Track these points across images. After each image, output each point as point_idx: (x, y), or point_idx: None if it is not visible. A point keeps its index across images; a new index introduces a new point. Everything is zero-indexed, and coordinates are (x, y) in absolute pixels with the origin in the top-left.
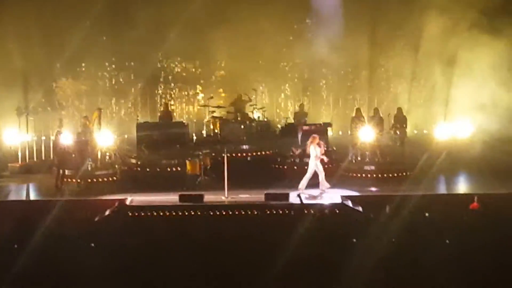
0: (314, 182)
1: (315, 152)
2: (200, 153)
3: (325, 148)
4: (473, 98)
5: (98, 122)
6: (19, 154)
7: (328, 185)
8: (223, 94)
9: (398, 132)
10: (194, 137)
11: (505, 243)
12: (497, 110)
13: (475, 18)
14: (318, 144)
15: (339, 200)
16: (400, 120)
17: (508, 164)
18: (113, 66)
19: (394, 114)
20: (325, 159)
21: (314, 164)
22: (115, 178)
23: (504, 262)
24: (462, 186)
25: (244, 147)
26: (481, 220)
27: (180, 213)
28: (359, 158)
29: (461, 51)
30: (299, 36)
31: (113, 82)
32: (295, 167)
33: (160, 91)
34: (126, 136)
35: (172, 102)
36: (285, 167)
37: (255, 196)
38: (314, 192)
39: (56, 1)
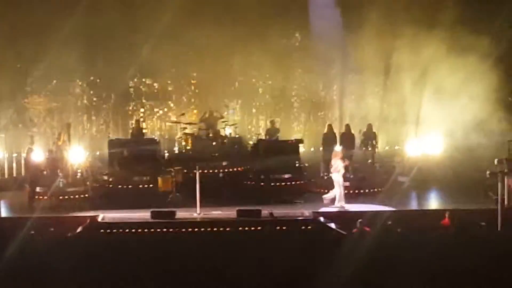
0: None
1: (340, 166)
2: (172, 169)
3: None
4: (443, 114)
5: (68, 138)
6: None
7: (343, 203)
8: (194, 111)
9: (369, 148)
10: (166, 154)
11: (476, 258)
12: (467, 126)
13: (446, 34)
14: (342, 159)
15: (311, 216)
16: (371, 136)
17: (478, 180)
18: (85, 82)
19: (364, 130)
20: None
21: (339, 178)
22: (86, 195)
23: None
24: (433, 202)
25: (216, 163)
26: (452, 236)
27: (152, 230)
28: (330, 175)
29: (432, 66)
30: (271, 54)
31: (85, 99)
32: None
33: (131, 108)
34: (97, 153)
35: (143, 119)
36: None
37: (227, 212)
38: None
39: (26, 17)
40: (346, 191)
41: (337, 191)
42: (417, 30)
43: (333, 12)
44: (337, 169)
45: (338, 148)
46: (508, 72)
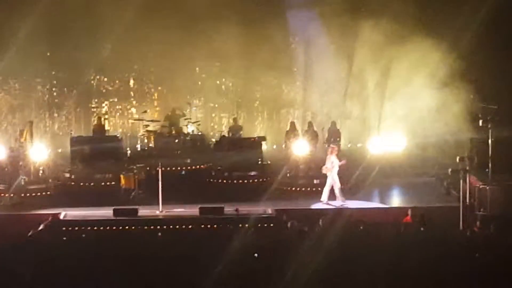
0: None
1: (336, 162)
2: (135, 167)
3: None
4: (406, 112)
5: (30, 135)
6: None
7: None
8: (157, 108)
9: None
10: (129, 151)
11: (438, 255)
12: (429, 124)
13: (408, 32)
14: (337, 156)
15: (273, 214)
16: (334, 133)
17: (440, 177)
18: (47, 80)
19: (328, 128)
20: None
21: (334, 175)
22: (48, 192)
23: (438, 274)
24: (396, 200)
25: (179, 161)
26: (414, 233)
27: (114, 228)
28: (293, 172)
29: (394, 64)
30: (234, 51)
31: (47, 96)
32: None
33: (94, 105)
34: (60, 150)
35: (106, 117)
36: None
37: (190, 210)
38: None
39: None
40: (308, 189)
41: (327, 188)
42: (378, 27)
43: (296, 9)
44: (332, 165)
45: (333, 144)
46: (470, 70)
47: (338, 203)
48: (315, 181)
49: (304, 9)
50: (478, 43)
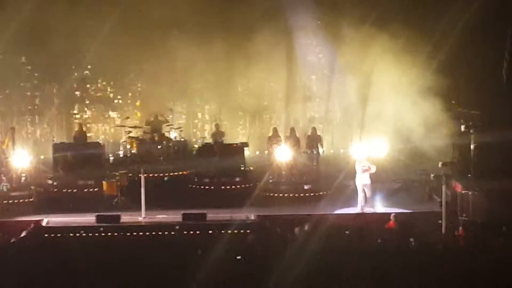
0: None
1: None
2: (117, 173)
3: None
4: (388, 117)
5: (12, 142)
6: None
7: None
8: (139, 114)
9: (314, 152)
10: (111, 158)
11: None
12: (412, 129)
13: (391, 38)
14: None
15: (256, 220)
16: (315, 139)
17: (423, 183)
18: (29, 86)
19: (309, 134)
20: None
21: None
22: (31, 199)
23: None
24: (378, 205)
25: (161, 167)
26: (397, 238)
27: (96, 234)
28: (276, 178)
29: (377, 70)
30: (214, 56)
31: (29, 103)
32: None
33: (75, 112)
34: (42, 157)
35: (88, 123)
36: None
37: (172, 216)
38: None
39: None
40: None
41: (361, 195)
42: (362, 33)
43: (278, 14)
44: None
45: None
46: (452, 76)
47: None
48: (302, 187)
49: (287, 13)
50: (460, 49)
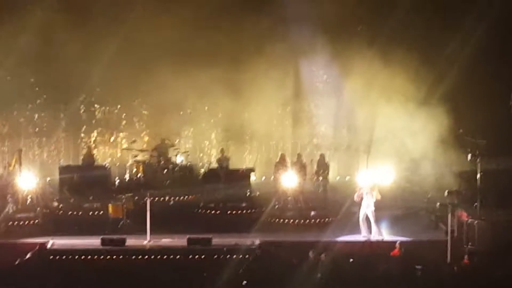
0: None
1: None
2: (123, 196)
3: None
4: (395, 144)
5: (19, 163)
6: None
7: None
8: (146, 138)
9: (320, 178)
10: (117, 181)
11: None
12: (418, 157)
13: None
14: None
15: (262, 245)
16: (322, 166)
17: (429, 211)
18: (36, 108)
19: (316, 160)
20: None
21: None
22: (36, 221)
23: None
24: (384, 233)
25: (167, 191)
26: (402, 266)
27: (101, 257)
28: (282, 204)
29: (384, 97)
30: (221, 81)
31: (36, 125)
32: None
33: (83, 134)
34: (48, 179)
35: (95, 145)
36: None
37: (178, 240)
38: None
39: None
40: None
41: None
42: (368, 61)
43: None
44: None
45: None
46: (459, 104)
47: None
48: (308, 213)
49: (298, 43)
50: (466, 78)
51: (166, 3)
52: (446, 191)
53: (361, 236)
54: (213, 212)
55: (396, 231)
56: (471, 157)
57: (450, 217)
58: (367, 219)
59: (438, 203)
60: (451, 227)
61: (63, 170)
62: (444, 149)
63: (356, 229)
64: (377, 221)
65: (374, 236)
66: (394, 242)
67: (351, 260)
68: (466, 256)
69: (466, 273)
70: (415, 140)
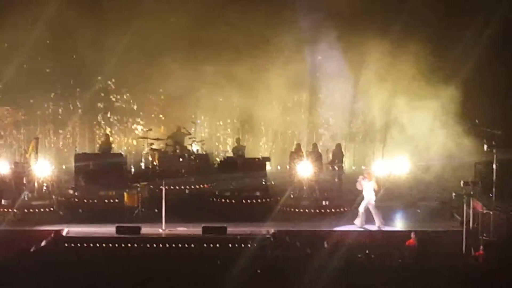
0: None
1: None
2: (138, 185)
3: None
4: (411, 134)
5: (35, 151)
6: None
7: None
8: (162, 127)
9: (336, 168)
10: (133, 169)
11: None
12: (434, 147)
13: (414, 56)
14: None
15: (277, 235)
16: (338, 156)
17: (444, 201)
18: (52, 95)
19: (332, 149)
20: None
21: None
22: (52, 208)
23: None
24: (399, 223)
25: (183, 180)
26: (417, 256)
27: (116, 245)
28: (297, 193)
29: (400, 87)
30: (238, 70)
31: (52, 112)
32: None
33: (98, 122)
34: (64, 166)
35: (111, 133)
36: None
37: (193, 229)
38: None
39: None
40: (311, 211)
41: (374, 212)
42: (384, 51)
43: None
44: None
45: (371, 169)
46: (474, 95)
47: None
48: (321, 203)
49: (312, 31)
50: (482, 68)
51: None
52: (462, 181)
53: (354, 225)
54: (228, 201)
55: (411, 221)
56: (487, 147)
57: (466, 207)
58: (367, 209)
59: (453, 194)
60: (466, 218)
61: (79, 157)
62: (460, 140)
63: (371, 219)
64: (378, 210)
65: (377, 226)
66: (409, 232)
67: (366, 251)
68: (481, 247)
69: (481, 264)
70: (430, 131)
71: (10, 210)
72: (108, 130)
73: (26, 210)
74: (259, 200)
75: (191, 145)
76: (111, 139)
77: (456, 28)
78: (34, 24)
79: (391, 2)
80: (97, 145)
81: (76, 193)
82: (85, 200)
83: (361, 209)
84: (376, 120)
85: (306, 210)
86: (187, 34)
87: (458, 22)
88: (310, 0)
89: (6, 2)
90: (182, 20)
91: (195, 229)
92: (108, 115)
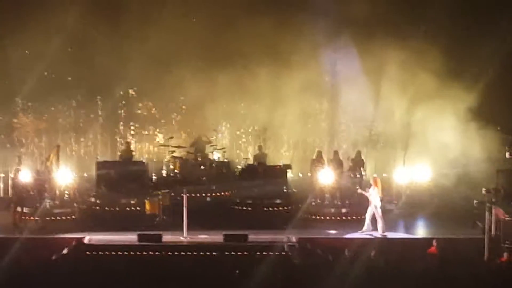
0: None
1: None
2: (160, 192)
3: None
4: (432, 141)
5: (56, 159)
6: None
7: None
8: (183, 135)
9: (357, 175)
10: (154, 177)
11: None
12: (455, 154)
13: (436, 62)
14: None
15: (298, 242)
16: (359, 163)
17: (466, 208)
18: (74, 103)
19: (353, 157)
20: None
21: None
22: (73, 216)
23: None
24: (420, 230)
25: (204, 187)
26: (438, 264)
27: (138, 253)
28: (318, 201)
29: (421, 94)
30: (260, 79)
31: (73, 120)
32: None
33: (120, 130)
34: (85, 174)
35: (132, 141)
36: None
37: (214, 236)
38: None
39: (16, 36)
40: (333, 218)
41: (378, 219)
42: (406, 57)
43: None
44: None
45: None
46: (496, 102)
47: (377, 234)
48: (343, 210)
49: (333, 40)
50: (504, 74)
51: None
52: (484, 189)
53: (359, 232)
54: (249, 208)
55: (432, 229)
56: (509, 154)
57: (487, 215)
58: (373, 215)
59: (475, 201)
60: (488, 225)
61: (100, 165)
62: (481, 147)
63: (393, 226)
64: (382, 217)
65: (380, 233)
66: (431, 240)
67: (386, 258)
68: (505, 254)
69: (503, 271)
70: (452, 138)
71: (32, 218)
72: (129, 138)
73: (48, 218)
74: (280, 208)
75: (212, 152)
76: (132, 147)
77: (476, 34)
78: (56, 33)
79: (411, 8)
80: (118, 153)
81: (97, 201)
82: (107, 208)
83: (368, 216)
84: (397, 127)
85: (328, 218)
86: (207, 42)
87: (479, 28)
88: (328, 7)
89: (28, 12)
90: (202, 29)
91: (217, 237)
92: (129, 123)
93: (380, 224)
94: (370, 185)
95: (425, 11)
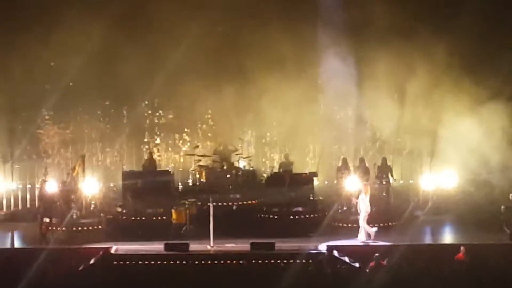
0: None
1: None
2: (186, 202)
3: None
4: (458, 148)
5: (82, 169)
6: (4, 202)
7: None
8: (209, 143)
9: (383, 182)
10: (180, 186)
11: None
12: (482, 160)
13: (461, 69)
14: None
15: (325, 250)
16: (385, 169)
17: (493, 214)
18: (99, 114)
19: (379, 164)
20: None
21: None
22: (100, 226)
23: None
24: (448, 236)
25: (230, 196)
26: (467, 271)
27: (165, 262)
28: (345, 208)
29: (448, 101)
30: (285, 86)
31: (99, 130)
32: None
33: (146, 139)
34: (111, 184)
35: (158, 151)
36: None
37: (241, 245)
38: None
39: (39, 49)
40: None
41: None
42: (432, 65)
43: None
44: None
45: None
46: None
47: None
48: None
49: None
50: None
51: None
52: (511, 195)
53: (358, 240)
54: (276, 216)
55: (460, 235)
56: None
57: None
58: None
59: (502, 207)
60: None
61: (126, 175)
62: (507, 153)
63: (419, 234)
64: (367, 224)
65: (360, 240)
66: (459, 246)
67: (415, 264)
68: None
69: None
70: (478, 144)
71: (59, 228)
72: (152, 148)
73: (74, 229)
74: (307, 216)
75: (238, 161)
76: (154, 156)
77: (503, 42)
78: (82, 45)
79: (443, 12)
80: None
81: (124, 211)
82: (133, 218)
83: (361, 223)
84: (423, 133)
85: (354, 225)
86: (232, 49)
87: (505, 36)
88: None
89: (54, 23)
90: (226, 38)
91: (243, 245)
92: (155, 132)
93: (363, 232)
94: (360, 192)
95: (452, 19)
